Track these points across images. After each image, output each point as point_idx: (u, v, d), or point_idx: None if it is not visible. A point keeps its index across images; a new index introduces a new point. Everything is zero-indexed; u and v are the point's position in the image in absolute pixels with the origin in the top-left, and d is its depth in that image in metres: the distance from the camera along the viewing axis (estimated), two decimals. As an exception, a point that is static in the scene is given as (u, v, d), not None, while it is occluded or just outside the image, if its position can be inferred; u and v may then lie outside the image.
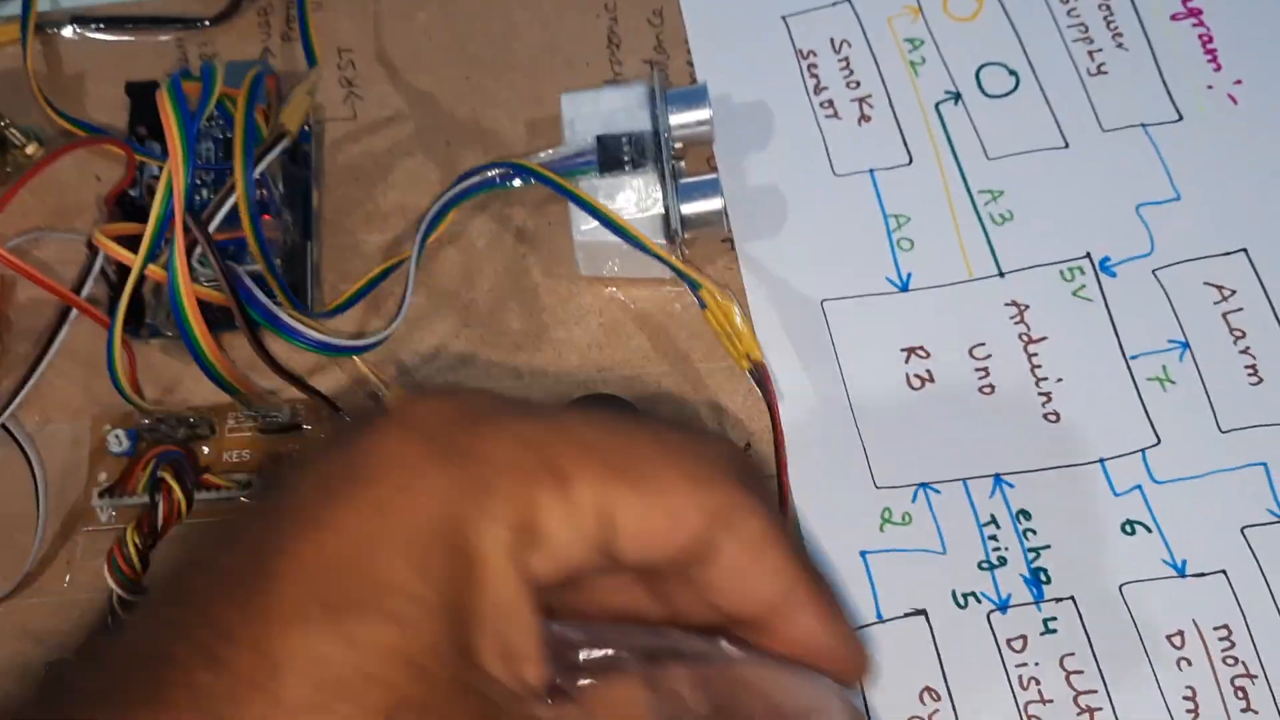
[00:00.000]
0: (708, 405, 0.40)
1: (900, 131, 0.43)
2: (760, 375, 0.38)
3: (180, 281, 0.32)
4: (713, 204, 0.39)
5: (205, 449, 0.40)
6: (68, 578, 0.39)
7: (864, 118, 0.44)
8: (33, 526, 0.39)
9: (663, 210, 0.39)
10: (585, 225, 0.39)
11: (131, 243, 0.37)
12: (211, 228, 0.36)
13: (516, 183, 0.41)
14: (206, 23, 0.46)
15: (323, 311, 0.40)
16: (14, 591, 0.39)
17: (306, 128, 0.44)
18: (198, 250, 0.36)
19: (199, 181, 0.41)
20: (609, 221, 0.37)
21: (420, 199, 0.43)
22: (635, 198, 0.39)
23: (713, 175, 0.40)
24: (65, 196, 0.44)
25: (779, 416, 0.38)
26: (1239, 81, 0.43)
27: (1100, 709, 0.36)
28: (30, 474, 0.39)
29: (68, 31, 0.46)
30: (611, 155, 0.39)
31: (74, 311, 0.35)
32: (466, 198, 0.40)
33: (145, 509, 0.35)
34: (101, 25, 0.46)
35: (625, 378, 0.41)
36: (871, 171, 0.43)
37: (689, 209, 0.39)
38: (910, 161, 0.43)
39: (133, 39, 0.46)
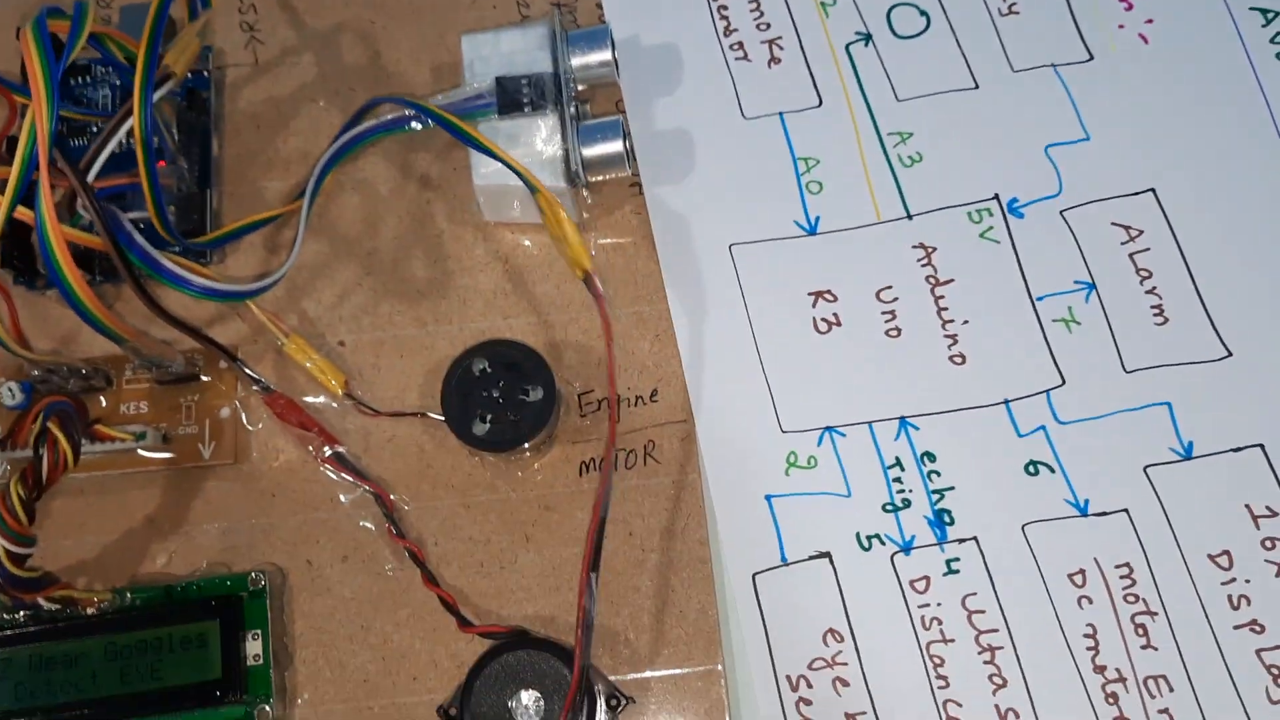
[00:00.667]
0: (617, 350, 0.40)
1: (810, 73, 0.42)
2: (590, 284, 0.38)
3: (48, 225, 0.31)
4: (613, 146, 0.38)
5: (102, 401, 0.39)
6: (-41, 535, 0.39)
7: (774, 59, 0.43)
8: (-78, 483, 0.39)
9: (562, 152, 0.38)
10: (484, 169, 0.38)
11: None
12: (94, 170, 0.34)
13: (415, 125, 0.40)
14: (102, -34, 0.44)
15: (199, 242, 0.39)
16: (-97, 549, 0.38)
17: (205, 74, 0.43)
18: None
19: (96, 129, 0.41)
20: (502, 161, 0.37)
21: (323, 144, 0.42)
22: (537, 140, 0.38)
23: (615, 117, 0.39)
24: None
25: (609, 324, 0.37)
26: (1150, 21, 0.43)
27: (1002, 647, 0.36)
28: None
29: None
30: (510, 97, 0.38)
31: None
32: (366, 140, 0.39)
33: (30, 461, 0.34)
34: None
35: (531, 324, 0.40)
36: (781, 114, 0.42)
37: (590, 151, 0.38)
38: (820, 104, 0.42)
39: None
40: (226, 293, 0.35)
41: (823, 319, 0.40)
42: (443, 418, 0.38)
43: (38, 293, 0.41)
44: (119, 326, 0.33)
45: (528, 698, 0.34)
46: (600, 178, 0.39)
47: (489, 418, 0.37)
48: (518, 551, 0.38)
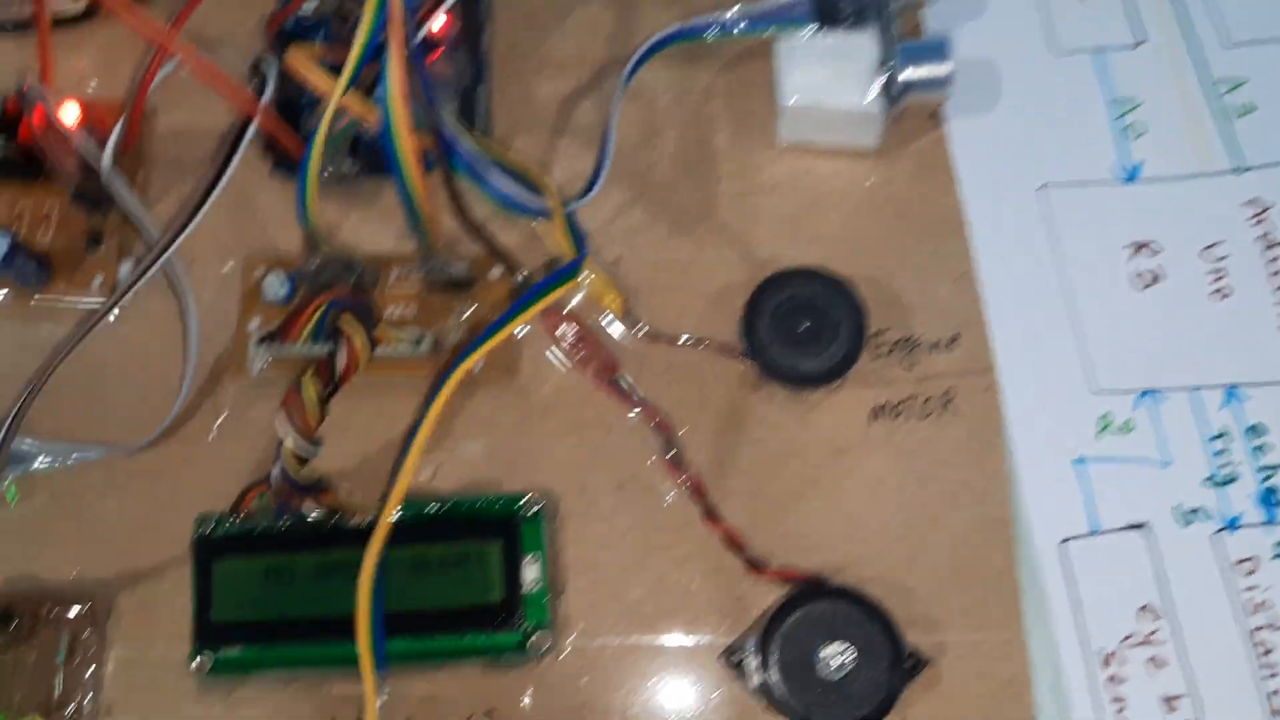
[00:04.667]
0: (910, 292, 0.37)
1: (1132, 7, 0.39)
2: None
3: (397, 107, 0.28)
4: (941, 69, 0.35)
5: (364, 302, 0.37)
6: (214, 429, 0.37)
7: (1091, -9, 0.40)
8: (177, 374, 0.37)
9: (881, 73, 0.35)
10: (796, 88, 0.35)
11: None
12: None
13: (715, 33, 0.37)
14: None
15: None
16: (157, 440, 0.36)
17: (476, -38, 0.41)
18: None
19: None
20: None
21: (599, 49, 0.40)
22: (856, 58, 0.35)
23: (941, 37, 0.36)
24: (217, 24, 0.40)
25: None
26: None
27: (1331, 640, 0.34)
28: (180, 318, 0.36)
29: None
30: (831, 7, 0.36)
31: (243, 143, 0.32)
32: (665, 46, 0.37)
33: (323, 358, 0.32)
34: None
35: (819, 254, 0.37)
36: (1098, 51, 0.39)
37: (914, 73, 0.35)
38: (1141, 42, 0.39)
39: None
40: (535, 209, 0.32)
41: (1141, 273, 0.37)
42: (728, 347, 0.35)
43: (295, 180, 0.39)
44: (434, 224, 0.31)
45: (831, 651, 0.32)
46: (915, 101, 0.36)
47: (795, 351, 0.34)
48: (805, 496, 0.35)
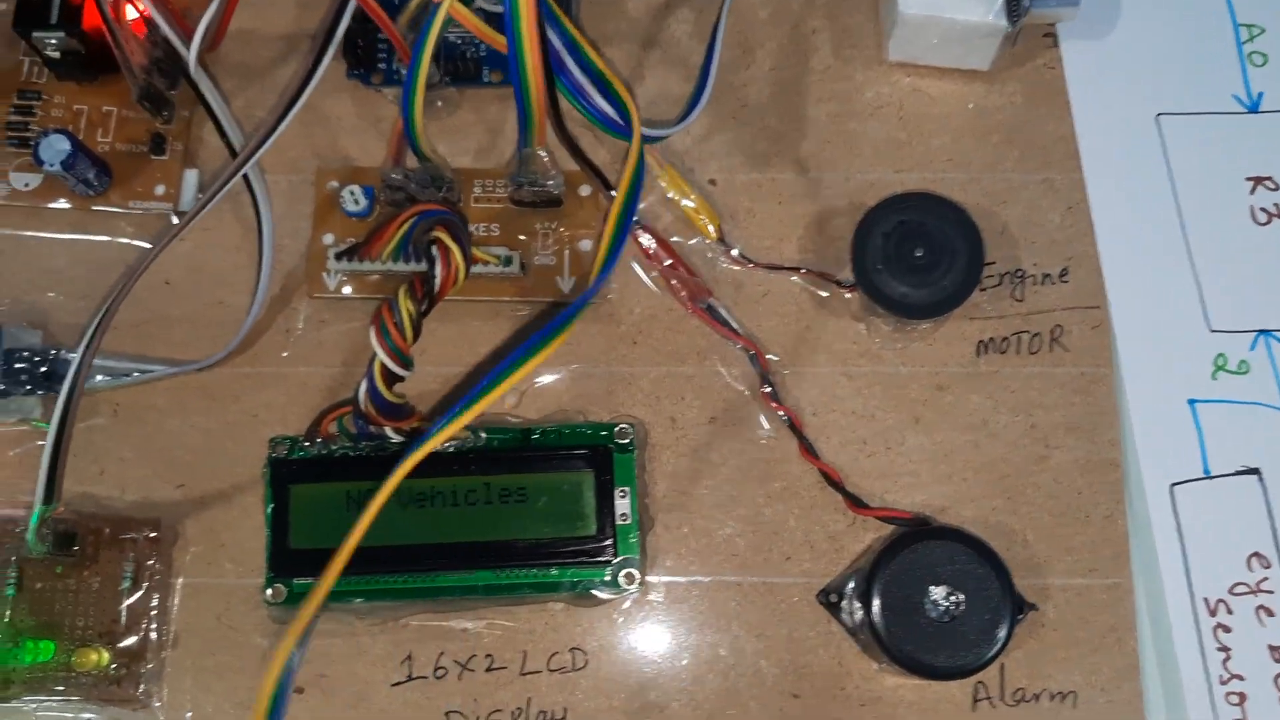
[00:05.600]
0: (1018, 222, 0.35)
1: (1258, -73, 0.37)
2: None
3: (525, 7, 0.26)
4: (1070, -18, 0.33)
5: (443, 219, 0.35)
6: (286, 350, 0.35)
7: (1216, -93, 0.38)
8: (247, 289, 0.35)
9: (1009, -15, 0.33)
10: (915, -2, 0.33)
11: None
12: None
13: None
14: None
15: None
16: (225, 359, 0.34)
17: None
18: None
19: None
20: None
21: (695, -51, 0.37)
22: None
23: (1066, -50, 0.34)
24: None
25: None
26: None
27: None
28: (257, 228, 0.34)
29: None
30: (952, -87, 0.33)
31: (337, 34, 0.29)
32: (771, -49, 0.35)
33: (417, 274, 0.30)
34: None
35: (925, 180, 0.36)
36: (1221, -28, 0.37)
37: (1045, -15, 0.33)
38: (1267, -37, 0.37)
39: None
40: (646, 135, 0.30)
41: (1263, 208, 0.35)
42: (829, 275, 0.34)
43: (371, 89, 0.36)
44: (543, 129, 0.29)
45: (939, 593, 0.31)
46: (1038, 20, 0.34)
47: (907, 280, 0.33)
48: (905, 432, 0.34)
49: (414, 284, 0.29)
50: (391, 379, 0.30)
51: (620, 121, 0.33)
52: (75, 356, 0.30)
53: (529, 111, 0.28)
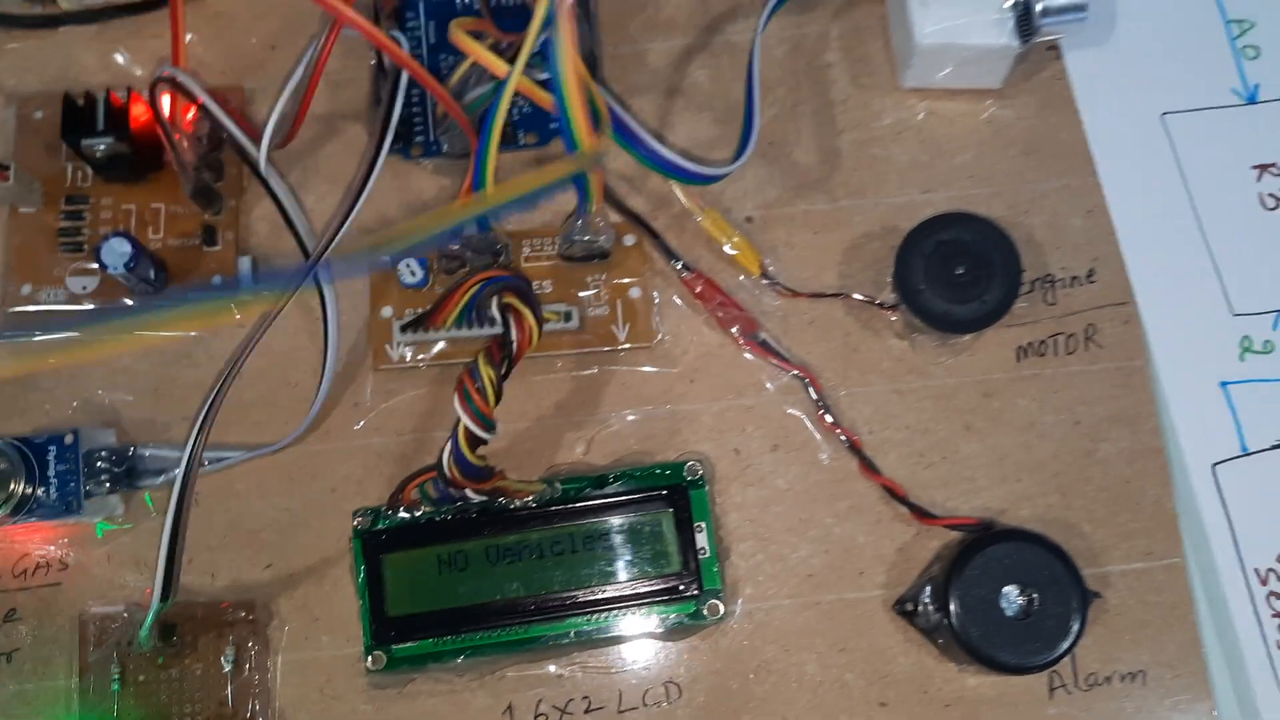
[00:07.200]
0: (1043, 229, 0.37)
1: (1237, -74, 0.39)
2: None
3: (569, 79, 0.27)
4: (1075, -4, 0.35)
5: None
6: (358, 423, 0.36)
7: (1197, -91, 0.39)
8: (313, 368, 0.36)
9: (1016, 6, 0.34)
10: (931, 27, 0.35)
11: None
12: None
13: (832, -22, 0.36)
14: None
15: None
16: (300, 437, 0.35)
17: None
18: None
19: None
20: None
21: (708, 3, 0.39)
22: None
23: (1070, -34, 0.35)
24: None
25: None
26: None
27: None
28: (320, 311, 0.35)
29: None
30: (955, -57, 0.35)
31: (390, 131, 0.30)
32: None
33: (493, 339, 0.31)
34: None
35: (952, 198, 0.37)
36: (1206, -29, 0.39)
37: (1053, 1, 0.34)
38: (1248, -40, 0.39)
39: None
40: (698, 175, 0.31)
41: (1270, 194, 0.37)
42: (872, 298, 0.35)
43: (411, 162, 0.37)
44: (600, 189, 0.30)
45: (1012, 591, 0.33)
46: (1050, 34, 0.36)
47: (952, 296, 0.34)
48: (958, 441, 0.36)
49: (491, 349, 0.30)
50: (475, 442, 0.31)
51: (684, 166, 0.34)
52: (184, 453, 0.31)
53: (586, 177, 0.29)
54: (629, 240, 0.36)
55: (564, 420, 0.36)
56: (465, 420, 0.31)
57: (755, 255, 0.36)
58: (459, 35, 0.28)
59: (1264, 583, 0.35)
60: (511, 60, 0.29)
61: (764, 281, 0.36)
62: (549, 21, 0.26)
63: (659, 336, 0.36)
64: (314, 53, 0.31)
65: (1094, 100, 0.38)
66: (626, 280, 0.36)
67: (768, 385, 0.36)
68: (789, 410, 0.36)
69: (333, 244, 0.30)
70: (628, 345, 0.36)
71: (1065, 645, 0.32)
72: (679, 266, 0.35)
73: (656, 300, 0.36)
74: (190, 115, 0.33)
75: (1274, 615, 0.34)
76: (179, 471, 0.30)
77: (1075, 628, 0.32)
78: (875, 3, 0.38)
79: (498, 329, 0.32)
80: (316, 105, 0.37)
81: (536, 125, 0.37)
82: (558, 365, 0.36)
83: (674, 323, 0.36)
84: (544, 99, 0.30)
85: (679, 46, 0.38)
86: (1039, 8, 0.34)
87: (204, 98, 0.31)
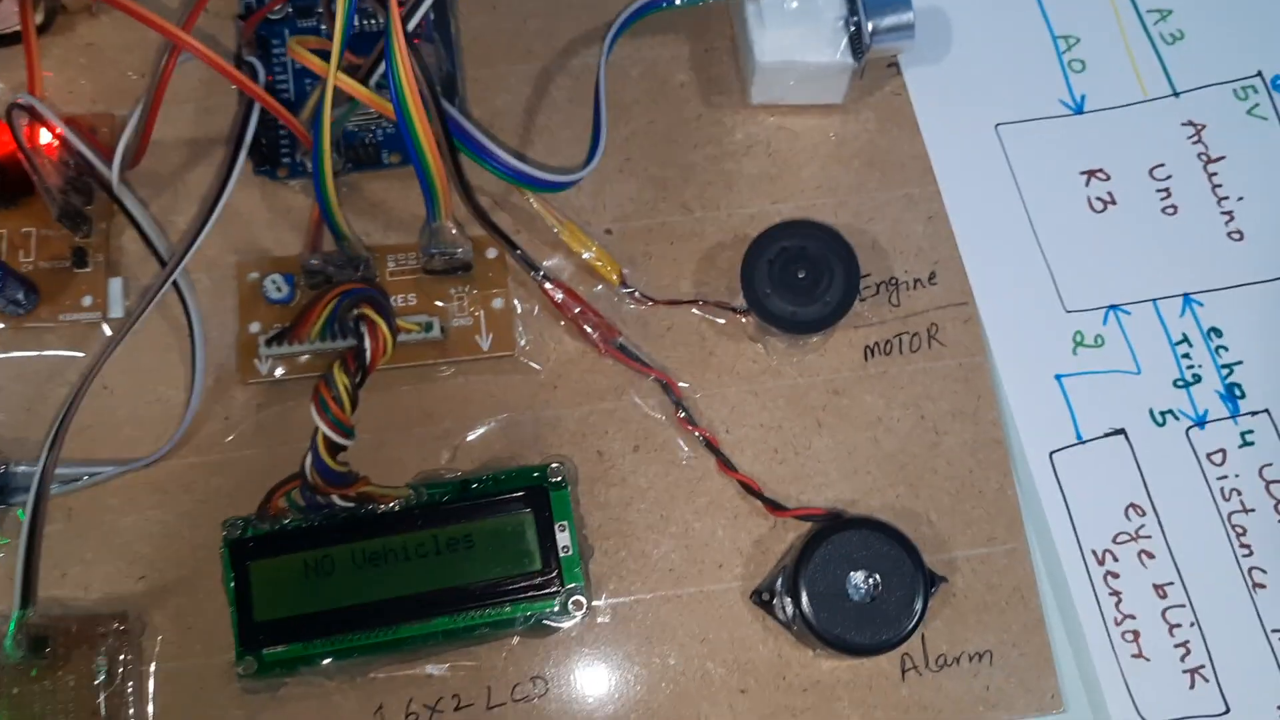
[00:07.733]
0: (887, 236, 0.39)
1: (1061, -51, 0.42)
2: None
3: (407, 90, 0.28)
4: (903, 16, 0.37)
5: (360, 295, 0.38)
6: (228, 436, 0.37)
7: (1024, -65, 0.42)
8: (182, 384, 0.37)
9: (850, 25, 0.37)
10: (769, 46, 0.37)
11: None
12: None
13: (679, 1, 0.38)
14: None
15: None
16: (171, 451, 0.36)
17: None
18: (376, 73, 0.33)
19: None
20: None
21: (564, 25, 0.40)
22: (824, 12, 0.37)
23: (900, -13, 0.38)
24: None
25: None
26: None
27: (1297, 516, 0.37)
28: (187, 328, 0.36)
29: None
30: (791, -32, 0.37)
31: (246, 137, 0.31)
32: (638, 19, 0.38)
33: (348, 349, 0.32)
34: None
35: (799, 208, 0.39)
36: (1035, -9, 0.41)
37: (881, 22, 0.37)
38: (1074, -21, 0.41)
39: None
40: (547, 182, 0.33)
41: (1097, 198, 0.39)
42: (725, 303, 0.37)
43: (279, 183, 0.39)
44: (449, 201, 0.31)
45: (859, 578, 0.34)
46: (880, 53, 0.38)
47: (794, 300, 0.36)
48: (810, 436, 0.37)
49: (346, 359, 0.32)
50: (335, 449, 0.32)
51: (535, 174, 0.35)
52: (38, 467, 0.32)
53: (432, 188, 0.31)
54: (491, 253, 0.38)
55: (431, 428, 0.37)
56: (323, 428, 0.32)
57: (614, 265, 0.38)
58: (294, 47, 0.30)
59: (1101, 563, 0.36)
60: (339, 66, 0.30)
61: (623, 290, 0.38)
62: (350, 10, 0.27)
63: (522, 344, 0.38)
64: (154, 78, 0.32)
65: (932, 113, 0.40)
66: (489, 291, 0.37)
67: (628, 389, 0.37)
68: (649, 413, 0.37)
69: (184, 259, 0.31)
70: (492, 354, 0.37)
71: (910, 625, 0.34)
72: (539, 277, 0.37)
73: (519, 310, 0.38)
74: (53, 141, 0.34)
75: (1111, 594, 0.36)
76: (36, 470, 0.31)
77: (919, 607, 0.34)
78: (725, 24, 0.40)
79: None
80: (186, 130, 0.39)
81: (400, 145, 0.38)
82: (423, 375, 0.37)
83: (536, 332, 0.38)
84: (380, 105, 0.32)
85: (537, 69, 0.40)
86: (869, 27, 0.37)
87: (57, 124, 0.32)
